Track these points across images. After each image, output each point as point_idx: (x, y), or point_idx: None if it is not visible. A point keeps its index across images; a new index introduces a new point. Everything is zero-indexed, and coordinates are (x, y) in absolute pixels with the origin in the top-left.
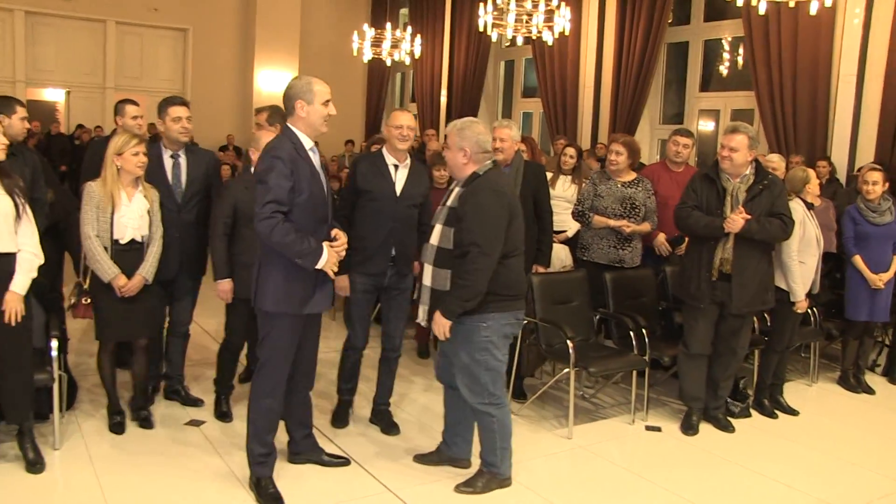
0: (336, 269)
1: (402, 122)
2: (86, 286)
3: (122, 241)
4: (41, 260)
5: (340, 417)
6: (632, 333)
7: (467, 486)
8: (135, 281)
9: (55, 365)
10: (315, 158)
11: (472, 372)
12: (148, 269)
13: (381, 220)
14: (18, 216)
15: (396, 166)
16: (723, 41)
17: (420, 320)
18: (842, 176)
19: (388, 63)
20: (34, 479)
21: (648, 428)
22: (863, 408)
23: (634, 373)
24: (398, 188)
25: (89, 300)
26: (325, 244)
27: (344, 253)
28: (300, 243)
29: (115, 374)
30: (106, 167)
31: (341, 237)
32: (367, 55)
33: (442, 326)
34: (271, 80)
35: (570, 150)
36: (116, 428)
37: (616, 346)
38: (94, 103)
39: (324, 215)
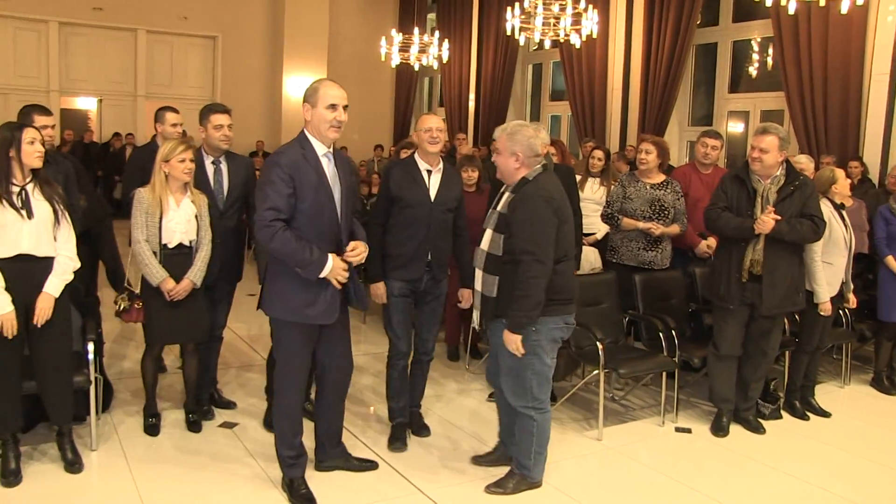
0: (343, 279)
1: (431, 124)
2: (137, 290)
3: (171, 246)
4: (77, 264)
5: (398, 437)
6: (661, 335)
7: (497, 487)
8: (183, 285)
9: (92, 368)
10: (328, 166)
11: (518, 375)
12: (196, 273)
13: (416, 226)
14: (58, 221)
15: (430, 171)
16: (752, 42)
17: (475, 324)
18: (874, 176)
19: (416, 68)
20: (73, 478)
21: (678, 429)
22: None
23: (664, 374)
24: (432, 194)
25: (141, 304)
26: (332, 255)
27: (360, 260)
28: (301, 252)
29: (157, 377)
30: (154, 173)
31: (359, 247)
32: (395, 60)
33: (513, 342)
34: (300, 86)
35: (599, 153)
36: (151, 430)
37: (645, 347)
38: (125, 111)
39: (330, 225)
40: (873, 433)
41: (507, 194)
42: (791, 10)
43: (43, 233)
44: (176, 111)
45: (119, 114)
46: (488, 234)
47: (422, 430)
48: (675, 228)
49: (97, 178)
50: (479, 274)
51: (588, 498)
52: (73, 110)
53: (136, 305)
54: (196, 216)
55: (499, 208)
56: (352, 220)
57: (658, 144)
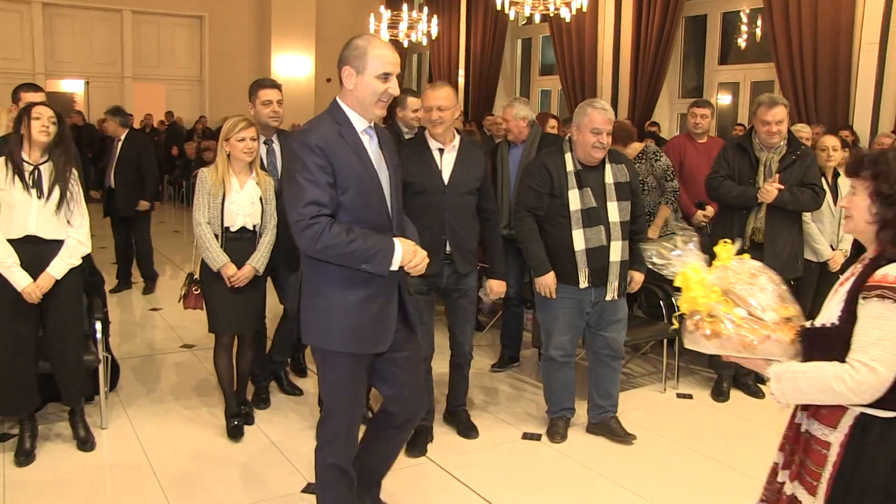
0: (423, 266)
1: (430, 102)
2: (196, 275)
3: (233, 229)
4: (87, 249)
5: (417, 444)
6: (661, 303)
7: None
8: (244, 271)
9: (100, 347)
10: (369, 144)
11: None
12: (259, 259)
13: (430, 214)
14: (70, 204)
15: (442, 150)
16: (741, 13)
17: (612, 294)
18: (864, 144)
19: (405, 45)
20: (86, 456)
21: (680, 396)
22: None
23: (664, 342)
24: (445, 176)
25: (199, 290)
26: (398, 239)
27: (421, 270)
28: (362, 241)
29: (233, 372)
30: (218, 153)
31: (418, 253)
32: (384, 37)
33: (639, 281)
34: (288, 64)
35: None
36: (234, 432)
37: (645, 315)
38: (113, 93)
39: (379, 220)
40: None
41: (609, 165)
42: None
43: (52, 215)
44: (37, 89)
45: (107, 96)
46: (614, 205)
47: (470, 431)
48: (662, 211)
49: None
50: (616, 245)
51: (596, 463)
52: (59, 93)
53: (194, 291)
54: (261, 199)
55: (610, 180)
56: (402, 214)
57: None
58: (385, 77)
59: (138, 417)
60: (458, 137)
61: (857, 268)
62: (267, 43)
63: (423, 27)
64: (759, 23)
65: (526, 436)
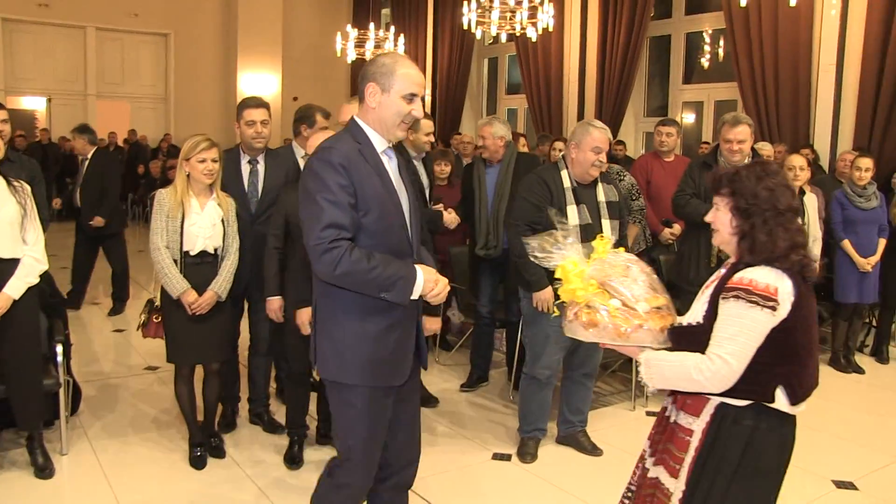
0: (443, 295)
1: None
2: (157, 303)
3: (193, 253)
4: (44, 266)
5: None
6: None
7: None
8: (206, 297)
9: (61, 370)
10: (391, 165)
11: None
12: (221, 284)
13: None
14: (25, 222)
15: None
16: (704, 34)
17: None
18: (825, 163)
19: None
20: (44, 484)
21: (649, 413)
22: (853, 387)
23: (633, 360)
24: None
25: (160, 318)
26: (418, 266)
27: (442, 299)
28: (383, 268)
29: (195, 400)
30: (177, 173)
31: (439, 281)
32: (351, 56)
33: None
34: (254, 83)
35: (559, 144)
36: (196, 462)
37: None
38: (75, 110)
39: (400, 245)
40: (833, 409)
41: (600, 185)
42: (742, 3)
43: (7, 233)
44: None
45: (70, 113)
46: (608, 223)
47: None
48: (632, 230)
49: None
50: None
51: (567, 482)
52: (20, 110)
53: (154, 319)
54: (222, 220)
55: (603, 199)
56: (421, 239)
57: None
58: (411, 98)
59: (100, 443)
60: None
61: (720, 273)
62: (233, 61)
63: (389, 46)
64: (721, 43)
65: (496, 456)
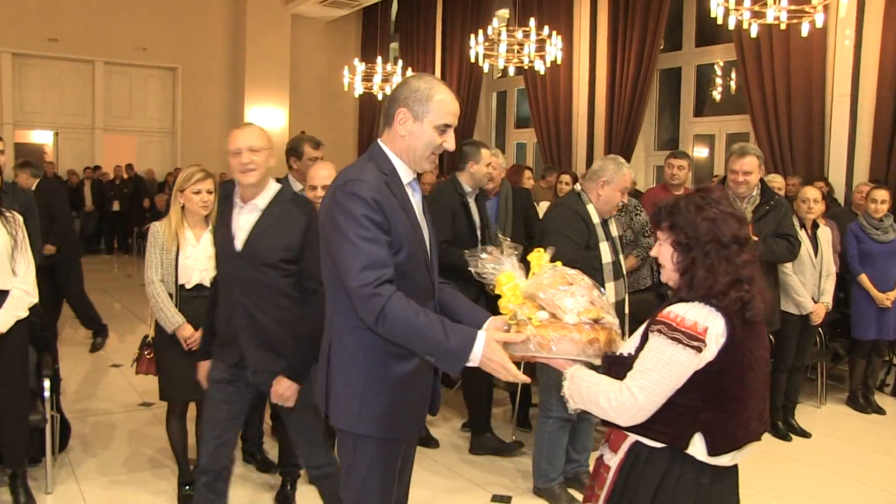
0: (509, 370)
1: (240, 144)
2: (150, 338)
3: (189, 286)
4: (34, 299)
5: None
6: None
7: None
8: (202, 331)
9: (48, 406)
10: (415, 198)
11: None
12: None
13: (223, 287)
14: (15, 253)
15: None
16: (715, 66)
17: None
18: (840, 195)
19: (380, 97)
20: None
21: None
22: (874, 428)
23: None
24: (239, 240)
25: (152, 354)
26: (483, 331)
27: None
28: (434, 324)
29: (187, 439)
30: (172, 204)
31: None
32: (359, 90)
33: None
34: (262, 117)
35: (566, 178)
36: (185, 502)
37: None
38: (83, 144)
39: (423, 285)
40: (853, 452)
41: (614, 218)
42: (753, 34)
43: None
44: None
45: (77, 147)
46: (622, 258)
47: None
48: (630, 261)
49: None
50: (626, 299)
51: None
52: (29, 144)
53: (146, 355)
54: None
55: (617, 234)
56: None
57: None
58: (444, 129)
59: (87, 481)
60: (273, 188)
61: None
62: (241, 95)
63: (397, 80)
64: (732, 75)
65: (495, 498)
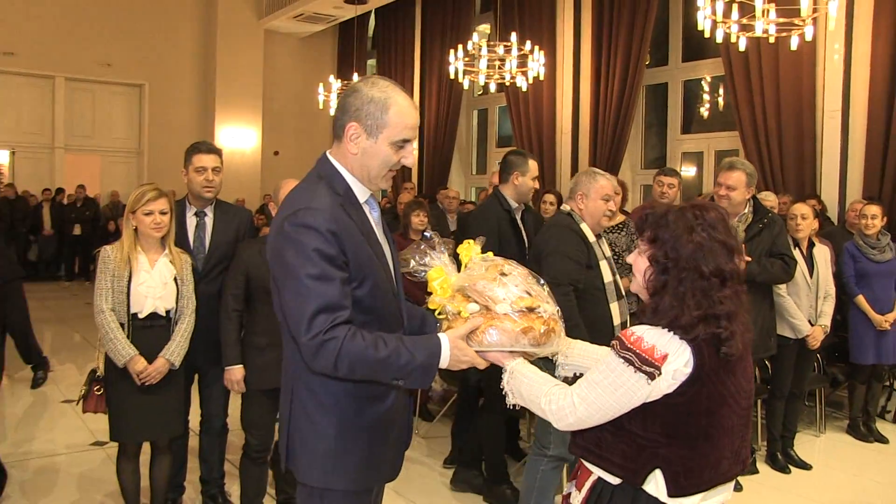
0: (479, 359)
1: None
2: (100, 372)
3: (142, 316)
4: None
5: None
6: None
7: None
8: (156, 365)
9: None
10: (373, 216)
11: None
12: (175, 350)
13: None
14: None
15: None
16: (702, 81)
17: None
18: (833, 213)
19: None
20: None
21: None
22: (877, 458)
23: None
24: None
25: (101, 390)
26: (442, 335)
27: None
28: (394, 355)
29: (139, 482)
30: (124, 227)
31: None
32: (334, 108)
33: None
34: (233, 136)
35: (550, 197)
36: None
37: None
38: (41, 164)
39: (390, 314)
40: (855, 484)
41: (603, 240)
42: (741, 48)
43: None
44: None
45: (35, 167)
46: (618, 278)
47: None
48: (626, 282)
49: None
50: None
51: None
52: None
53: (95, 391)
54: (175, 279)
55: (608, 252)
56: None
57: (623, 186)
58: (402, 144)
59: None
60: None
61: None
62: (211, 113)
63: None
64: (720, 91)
65: None
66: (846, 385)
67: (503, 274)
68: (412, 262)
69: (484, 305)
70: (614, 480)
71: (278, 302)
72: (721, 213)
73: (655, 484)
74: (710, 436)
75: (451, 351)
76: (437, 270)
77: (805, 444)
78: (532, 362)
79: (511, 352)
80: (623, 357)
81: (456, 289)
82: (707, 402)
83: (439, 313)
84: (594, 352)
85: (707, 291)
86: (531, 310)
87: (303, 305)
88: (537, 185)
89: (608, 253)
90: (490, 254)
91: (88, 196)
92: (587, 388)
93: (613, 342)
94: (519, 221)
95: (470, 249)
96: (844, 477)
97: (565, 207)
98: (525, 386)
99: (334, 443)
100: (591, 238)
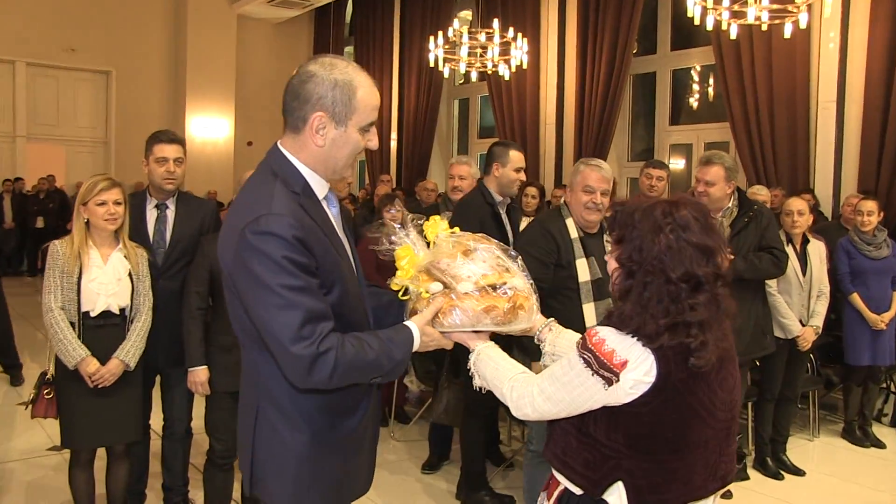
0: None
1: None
2: (50, 375)
3: (94, 314)
4: None
5: None
6: None
7: None
8: (110, 366)
9: None
10: (333, 214)
11: None
12: (130, 350)
13: None
14: None
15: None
16: (692, 70)
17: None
18: (826, 208)
19: None
20: None
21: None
22: (873, 463)
23: None
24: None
25: (52, 393)
26: (409, 323)
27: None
28: (381, 349)
29: (94, 492)
30: (74, 220)
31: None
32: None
33: None
34: (205, 126)
35: (532, 190)
36: None
37: None
38: (2, 154)
39: (360, 317)
40: (851, 491)
41: (605, 234)
42: (733, 35)
43: None
44: None
45: None
46: None
47: None
48: None
49: None
50: None
51: None
52: None
53: (45, 395)
54: (130, 275)
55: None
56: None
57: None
58: (368, 128)
59: None
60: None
61: None
62: (181, 102)
63: None
64: (711, 80)
65: None
66: (841, 387)
67: (469, 251)
68: (384, 243)
69: (447, 285)
70: (577, 491)
71: (237, 312)
72: (697, 210)
73: (619, 497)
74: (677, 449)
75: (421, 339)
76: (405, 249)
77: (798, 448)
78: (516, 356)
79: (476, 332)
80: (583, 357)
81: (420, 268)
82: (674, 414)
83: (403, 294)
84: None
85: (675, 297)
86: (495, 287)
87: (285, 318)
88: (523, 178)
89: (608, 249)
90: (457, 229)
91: (55, 187)
92: (548, 381)
93: (579, 339)
94: (504, 216)
95: (436, 226)
96: (839, 483)
97: (564, 200)
98: (491, 369)
99: (307, 463)
100: (574, 234)
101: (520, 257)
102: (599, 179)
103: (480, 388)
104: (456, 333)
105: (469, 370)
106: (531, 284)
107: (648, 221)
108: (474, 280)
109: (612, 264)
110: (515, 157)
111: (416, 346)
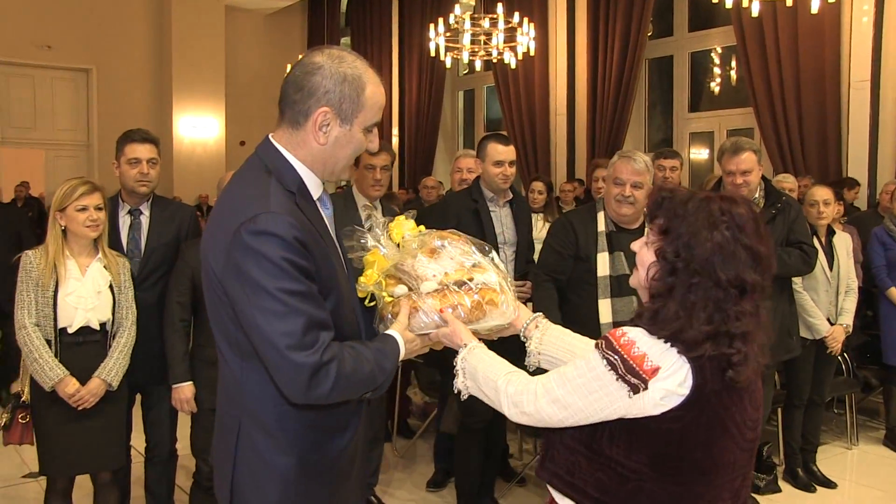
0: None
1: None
2: (25, 397)
3: (71, 330)
4: None
5: None
6: None
7: None
8: (91, 386)
9: None
10: (326, 214)
11: None
12: (112, 368)
13: None
14: None
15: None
16: (712, 53)
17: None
18: (861, 197)
19: None
20: None
21: None
22: None
23: None
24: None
25: (27, 418)
26: (392, 332)
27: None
28: (374, 363)
29: None
30: (49, 229)
31: None
32: None
33: None
34: (194, 126)
35: (538, 185)
36: None
37: None
38: None
39: (354, 328)
40: None
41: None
42: (755, 13)
43: None
44: None
45: None
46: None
47: None
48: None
49: None
50: None
51: None
52: None
53: (19, 419)
54: (111, 286)
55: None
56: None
57: None
58: (373, 128)
59: None
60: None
61: None
62: (167, 100)
63: None
64: (733, 63)
65: None
66: (881, 390)
67: (435, 249)
68: (357, 249)
69: (411, 287)
70: (566, 501)
71: (220, 319)
72: (754, 211)
73: None
74: (705, 471)
75: (405, 346)
76: (373, 253)
77: (833, 458)
78: (498, 351)
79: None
80: (607, 359)
81: (386, 271)
82: (706, 432)
83: (369, 301)
84: (574, 344)
85: (721, 304)
86: (461, 284)
87: (285, 325)
88: (508, 171)
89: (627, 247)
90: (422, 228)
91: (31, 195)
92: (556, 382)
93: (599, 340)
94: (491, 213)
95: (400, 227)
96: (879, 496)
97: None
98: (484, 363)
99: (294, 486)
100: (602, 227)
101: (493, 252)
102: (630, 172)
103: (460, 393)
104: (443, 330)
105: (454, 367)
106: (506, 279)
107: (704, 214)
108: (439, 279)
109: (647, 257)
110: (493, 150)
111: (402, 355)
